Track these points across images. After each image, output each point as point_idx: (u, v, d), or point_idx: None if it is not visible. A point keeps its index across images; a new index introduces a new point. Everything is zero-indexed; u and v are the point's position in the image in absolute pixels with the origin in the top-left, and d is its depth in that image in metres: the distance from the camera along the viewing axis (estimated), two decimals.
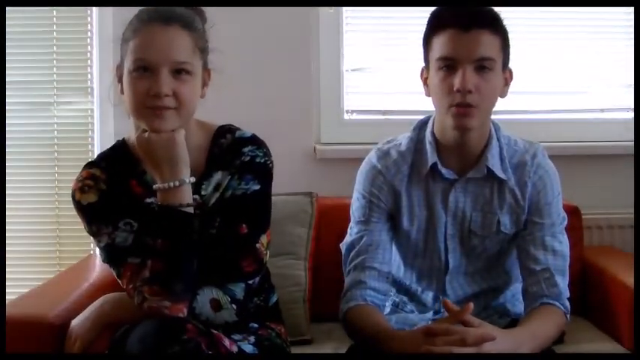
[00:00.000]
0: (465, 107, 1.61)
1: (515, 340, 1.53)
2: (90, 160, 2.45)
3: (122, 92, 1.54)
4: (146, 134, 1.50)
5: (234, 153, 1.58)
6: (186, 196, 1.48)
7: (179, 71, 1.49)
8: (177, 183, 1.47)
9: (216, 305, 1.50)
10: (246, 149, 1.58)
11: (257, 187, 1.56)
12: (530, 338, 1.56)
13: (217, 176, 1.58)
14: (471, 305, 1.50)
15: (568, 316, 1.71)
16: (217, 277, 1.52)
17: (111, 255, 1.55)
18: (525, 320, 1.65)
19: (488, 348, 1.45)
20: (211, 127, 1.64)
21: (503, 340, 1.49)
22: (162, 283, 1.44)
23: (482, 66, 1.61)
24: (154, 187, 1.49)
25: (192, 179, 1.50)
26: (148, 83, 1.47)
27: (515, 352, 1.51)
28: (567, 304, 1.70)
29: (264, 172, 1.58)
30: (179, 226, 1.47)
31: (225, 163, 1.58)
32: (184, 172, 1.49)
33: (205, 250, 1.55)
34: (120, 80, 1.55)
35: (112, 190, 1.54)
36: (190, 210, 1.48)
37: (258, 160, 1.58)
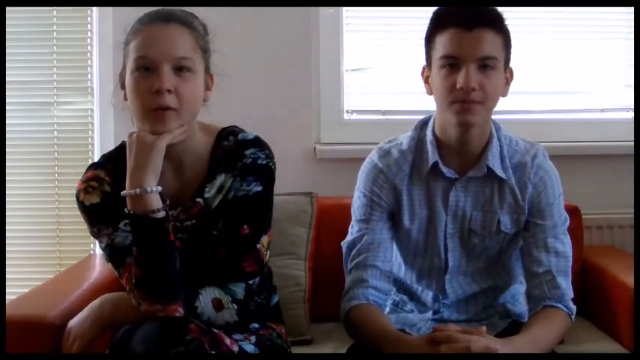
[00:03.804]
0: (468, 103, 1.62)
1: (514, 349, 1.52)
2: (89, 159, 2.50)
3: (126, 99, 1.54)
4: (134, 135, 1.50)
5: (237, 155, 1.58)
6: (153, 203, 1.47)
7: (181, 69, 1.50)
8: (138, 191, 1.46)
9: (219, 305, 1.51)
10: (248, 151, 1.58)
11: (259, 188, 1.56)
12: (530, 346, 1.56)
13: (220, 178, 1.58)
14: (484, 329, 1.52)
15: (572, 317, 1.71)
16: (219, 278, 1.53)
17: (111, 256, 1.55)
18: (526, 326, 1.65)
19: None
20: (214, 129, 1.64)
21: (502, 350, 1.49)
22: (146, 289, 1.46)
23: (485, 65, 1.62)
24: (122, 193, 1.49)
25: (158, 188, 1.48)
26: (150, 81, 1.47)
27: None
28: (571, 305, 1.70)
29: (266, 174, 1.58)
30: (148, 232, 1.47)
31: (228, 165, 1.58)
32: (150, 180, 1.47)
33: (207, 250, 1.55)
34: (123, 87, 1.55)
35: (115, 191, 1.54)
36: (161, 214, 1.48)
37: (260, 161, 1.58)
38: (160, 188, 1.49)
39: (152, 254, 1.46)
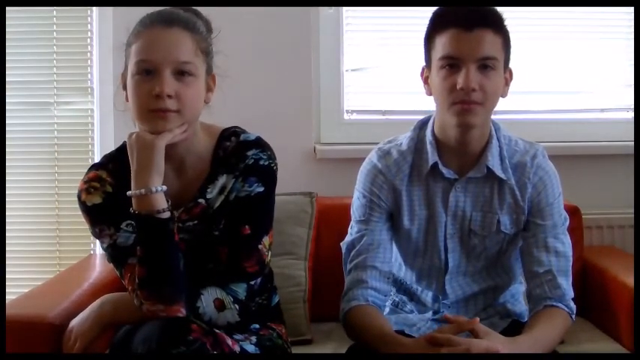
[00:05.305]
0: (468, 104, 1.62)
1: (518, 348, 1.53)
2: (90, 159, 2.50)
3: (127, 100, 1.54)
4: (134, 135, 1.50)
5: (239, 156, 1.58)
6: (158, 203, 1.47)
7: (182, 73, 1.49)
8: (143, 191, 1.47)
9: (220, 305, 1.51)
10: (250, 152, 1.58)
11: (261, 189, 1.56)
12: (533, 345, 1.56)
13: (222, 179, 1.58)
14: (477, 320, 1.53)
15: (573, 316, 1.71)
16: (220, 278, 1.53)
17: (113, 256, 1.55)
18: (528, 326, 1.65)
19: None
20: (216, 130, 1.64)
21: (505, 349, 1.50)
22: (149, 288, 1.45)
23: (485, 65, 1.62)
24: (127, 193, 1.49)
25: (163, 188, 1.49)
26: (150, 85, 1.47)
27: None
28: (572, 304, 1.70)
29: (267, 175, 1.58)
30: (153, 232, 1.47)
31: (230, 166, 1.58)
32: (155, 180, 1.48)
33: (209, 251, 1.55)
34: (124, 87, 1.55)
35: (117, 191, 1.54)
36: (166, 215, 1.48)
37: (262, 162, 1.58)
38: (165, 188, 1.49)
39: (156, 254, 1.46)
